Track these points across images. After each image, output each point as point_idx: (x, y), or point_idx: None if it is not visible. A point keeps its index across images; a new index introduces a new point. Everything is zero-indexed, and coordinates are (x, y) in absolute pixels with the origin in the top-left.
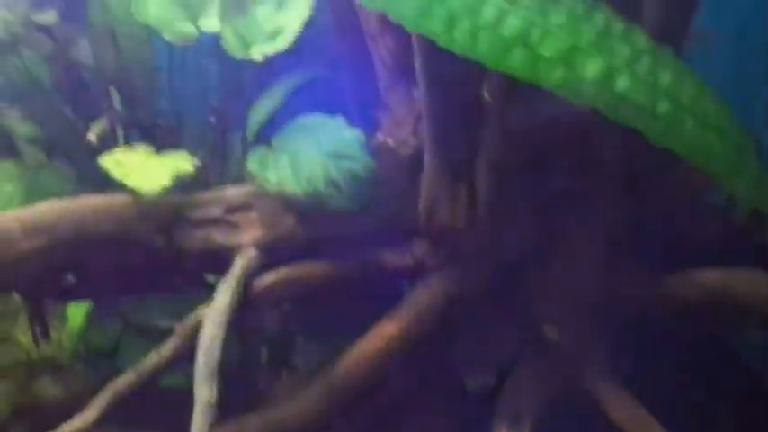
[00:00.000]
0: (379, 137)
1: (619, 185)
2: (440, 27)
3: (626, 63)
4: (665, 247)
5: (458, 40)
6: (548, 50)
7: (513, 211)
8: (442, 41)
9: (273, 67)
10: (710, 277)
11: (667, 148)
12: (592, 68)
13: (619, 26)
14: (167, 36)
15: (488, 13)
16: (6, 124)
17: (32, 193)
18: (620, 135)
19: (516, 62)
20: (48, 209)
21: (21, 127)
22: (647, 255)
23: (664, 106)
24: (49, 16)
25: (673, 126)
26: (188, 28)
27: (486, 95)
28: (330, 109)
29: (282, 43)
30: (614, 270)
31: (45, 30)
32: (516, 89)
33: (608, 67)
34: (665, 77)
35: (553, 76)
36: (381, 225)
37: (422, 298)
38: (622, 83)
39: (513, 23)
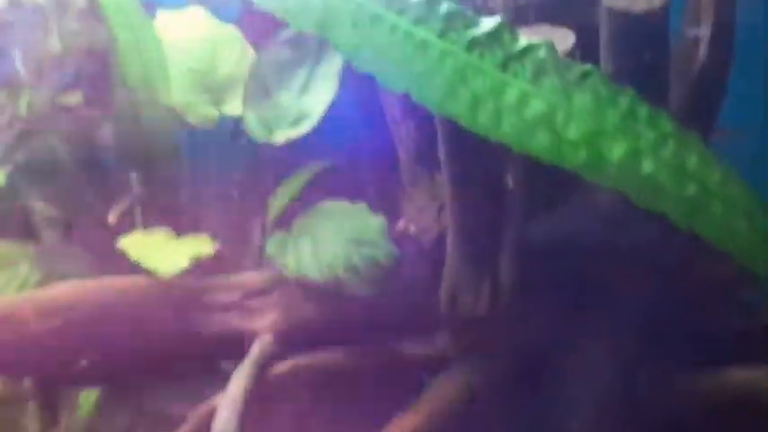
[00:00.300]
0: (401, 224)
1: (646, 278)
2: (464, 108)
3: (651, 146)
4: (694, 345)
5: (481, 122)
6: (572, 133)
7: (538, 301)
8: (465, 123)
9: (296, 148)
10: (740, 376)
11: (694, 242)
12: (617, 151)
13: (644, 110)
14: (191, 119)
15: (512, 95)
16: (25, 204)
17: (49, 275)
18: (646, 228)
19: (540, 144)
20: (62, 290)
21: (40, 207)
22: (674, 352)
23: (690, 189)
24: (74, 98)
25: (699, 209)
26: (211, 112)
27: (510, 183)
28: (352, 195)
29: (306, 127)
30: (639, 366)
31: (69, 111)
32: (540, 179)
33: (633, 150)
34: (691, 161)
35: (577, 159)
36: (402, 313)
37: (444, 390)
38: (648, 166)
39: (536, 106)
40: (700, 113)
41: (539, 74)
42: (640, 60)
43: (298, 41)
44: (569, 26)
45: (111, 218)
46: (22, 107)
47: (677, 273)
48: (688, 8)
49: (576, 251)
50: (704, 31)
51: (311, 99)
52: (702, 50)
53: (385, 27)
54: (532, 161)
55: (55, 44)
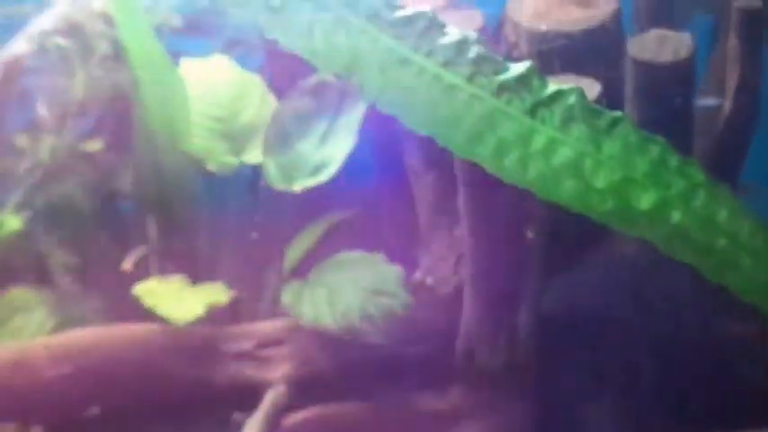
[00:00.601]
0: (419, 275)
1: (668, 335)
2: (489, 154)
3: (681, 196)
4: (715, 403)
5: (507, 168)
6: (600, 181)
7: (556, 355)
8: (491, 168)
9: (314, 197)
10: None
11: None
12: (645, 201)
13: (674, 159)
14: (210, 167)
15: (539, 142)
16: (42, 250)
17: (63, 321)
18: (668, 286)
19: (567, 192)
20: (76, 336)
21: (56, 253)
22: (694, 410)
23: (720, 242)
24: (95, 145)
25: (729, 263)
26: (231, 159)
27: (530, 234)
28: (370, 244)
29: (326, 176)
30: (658, 424)
31: (90, 157)
32: (561, 230)
33: (662, 199)
34: (722, 213)
35: (605, 207)
36: (417, 365)
37: None
38: (677, 216)
39: (564, 153)
40: (724, 167)
41: (567, 120)
42: (666, 111)
43: (319, 91)
44: (595, 76)
45: (127, 264)
46: (44, 153)
47: (700, 328)
48: (712, 64)
49: (596, 308)
50: (729, 85)
51: (331, 149)
52: (727, 104)
53: (412, 70)
54: (553, 212)
55: (78, 90)
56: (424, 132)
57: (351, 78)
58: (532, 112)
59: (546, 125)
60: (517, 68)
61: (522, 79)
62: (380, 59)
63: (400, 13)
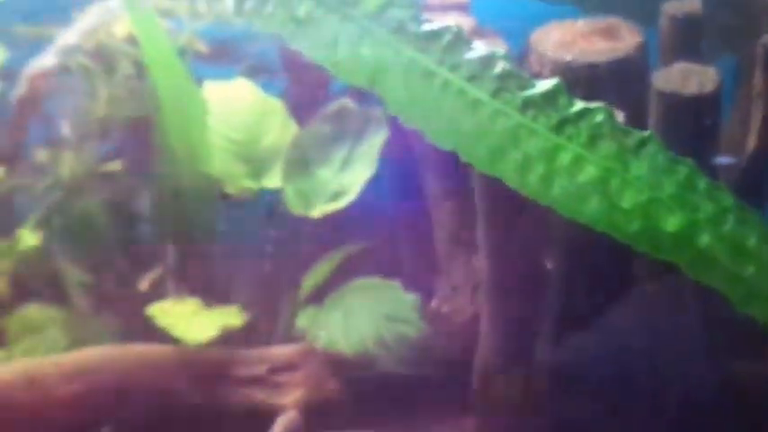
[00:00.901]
0: (435, 303)
1: (688, 375)
2: (513, 170)
3: (710, 220)
4: None
5: (531, 185)
6: (626, 201)
7: (573, 389)
8: (514, 185)
9: (332, 222)
10: None
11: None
12: (672, 223)
13: (703, 181)
14: (230, 190)
15: (565, 158)
16: (58, 268)
17: (77, 341)
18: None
19: (592, 211)
20: (88, 355)
21: (72, 272)
22: None
23: (749, 269)
24: (115, 165)
25: (758, 291)
26: (251, 183)
27: (548, 264)
28: (387, 271)
29: (344, 203)
30: None
31: (110, 177)
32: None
33: (690, 222)
34: (751, 239)
35: (631, 228)
36: (431, 394)
37: None
38: (705, 240)
39: (590, 171)
40: (747, 201)
41: (594, 138)
42: (689, 143)
43: (340, 117)
44: (618, 107)
45: (143, 285)
46: (65, 171)
47: (722, 370)
48: (736, 102)
49: (615, 347)
50: (754, 120)
51: (350, 175)
52: (752, 140)
53: (437, 83)
54: (572, 243)
55: (100, 110)
56: (447, 147)
57: (374, 90)
58: (558, 128)
59: (572, 142)
60: (544, 85)
61: (549, 96)
62: (404, 72)
63: (426, 27)
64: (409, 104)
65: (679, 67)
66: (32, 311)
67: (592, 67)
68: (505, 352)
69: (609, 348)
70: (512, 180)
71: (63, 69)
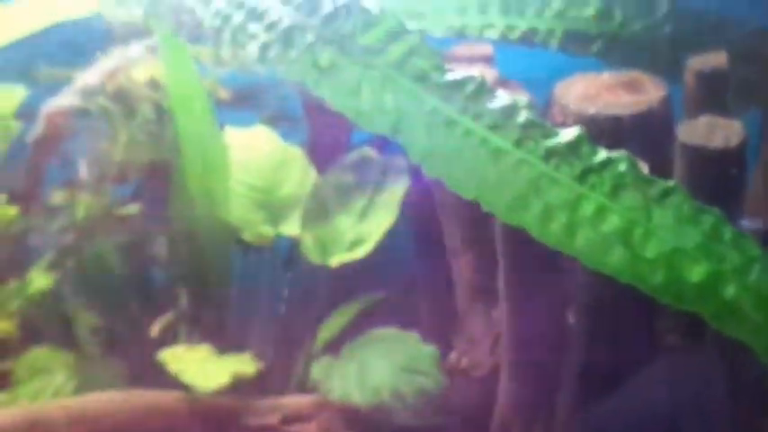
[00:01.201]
0: (454, 356)
1: None
2: (535, 219)
3: (735, 270)
4: None
5: (554, 234)
6: (650, 251)
7: None
8: (536, 234)
9: (350, 271)
10: None
11: None
12: (697, 273)
13: (729, 231)
14: (247, 237)
15: (588, 208)
16: (69, 311)
17: (85, 385)
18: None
19: (615, 261)
20: (94, 400)
21: (83, 315)
22: None
23: None
24: (131, 209)
25: None
26: (268, 231)
27: (571, 319)
28: (404, 322)
29: (362, 253)
30: None
31: (125, 221)
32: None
33: (715, 272)
34: None
35: (655, 279)
36: None
37: None
38: (731, 291)
39: (613, 221)
40: None
41: (618, 188)
42: (714, 196)
43: (361, 165)
44: (642, 160)
45: (155, 331)
46: (80, 213)
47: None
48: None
49: (638, 416)
50: None
51: (370, 224)
52: None
53: (459, 132)
54: (595, 296)
55: (119, 153)
56: (468, 197)
57: (396, 139)
58: (581, 178)
59: (595, 192)
60: (567, 134)
61: (572, 145)
62: (426, 120)
63: (449, 76)
64: (431, 153)
65: (704, 120)
66: (40, 354)
67: (616, 119)
68: (525, 408)
69: (631, 417)
70: (534, 230)
71: (82, 111)
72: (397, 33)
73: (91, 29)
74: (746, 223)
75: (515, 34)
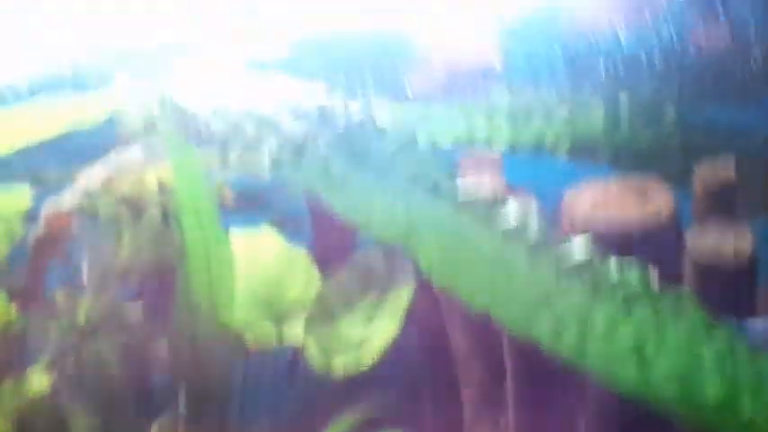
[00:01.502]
0: None
1: None
2: (546, 332)
3: (751, 386)
4: None
5: (565, 347)
6: (662, 367)
7: None
8: (547, 346)
9: (354, 379)
10: None
11: None
12: (712, 389)
13: (743, 346)
14: (249, 343)
15: (599, 321)
16: (66, 416)
17: None
18: None
19: (627, 376)
20: None
21: (80, 419)
22: None
23: None
24: (133, 312)
25: None
26: (271, 337)
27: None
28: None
29: (367, 359)
30: None
31: (127, 324)
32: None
33: (730, 389)
34: None
35: (668, 395)
36: None
37: None
38: (747, 407)
39: (625, 335)
40: None
41: (629, 300)
42: (725, 307)
43: (367, 268)
44: (651, 265)
45: None
46: (81, 315)
47: None
48: None
49: None
50: None
51: (375, 331)
52: None
53: (470, 244)
54: (605, 407)
55: (123, 256)
56: (478, 308)
57: (406, 248)
58: (593, 291)
59: (606, 304)
60: (577, 245)
61: (583, 256)
62: (437, 231)
63: (461, 186)
64: (442, 264)
65: (713, 228)
66: None
67: (625, 229)
68: None
69: None
70: (545, 342)
71: (86, 212)
72: (409, 145)
73: (102, 131)
74: (758, 325)
75: (523, 144)
